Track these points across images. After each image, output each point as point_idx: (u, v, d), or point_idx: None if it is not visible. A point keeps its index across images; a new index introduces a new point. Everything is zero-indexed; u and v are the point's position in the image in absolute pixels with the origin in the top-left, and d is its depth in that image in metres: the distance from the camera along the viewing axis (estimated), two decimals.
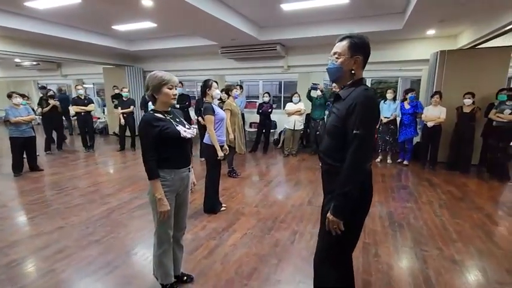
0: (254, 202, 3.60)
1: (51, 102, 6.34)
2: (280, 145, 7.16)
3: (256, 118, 7.02)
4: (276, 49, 6.54)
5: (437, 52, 5.40)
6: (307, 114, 6.46)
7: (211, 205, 3.26)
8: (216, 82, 3.10)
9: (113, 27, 6.05)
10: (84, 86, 7.11)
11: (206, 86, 3.03)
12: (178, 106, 5.75)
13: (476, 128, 4.85)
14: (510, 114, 4.24)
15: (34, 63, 10.05)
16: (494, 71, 4.95)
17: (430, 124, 4.99)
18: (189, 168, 1.86)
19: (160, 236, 1.78)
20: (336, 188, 1.32)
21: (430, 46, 5.93)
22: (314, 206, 3.45)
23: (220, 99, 4.58)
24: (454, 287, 2.01)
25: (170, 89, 1.70)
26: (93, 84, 11.33)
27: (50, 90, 6.79)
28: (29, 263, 2.28)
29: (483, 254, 2.44)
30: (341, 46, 1.38)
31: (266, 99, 6.33)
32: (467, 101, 4.73)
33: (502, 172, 4.51)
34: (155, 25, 5.70)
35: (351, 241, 1.47)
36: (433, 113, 4.98)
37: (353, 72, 1.38)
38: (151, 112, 1.71)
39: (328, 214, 1.36)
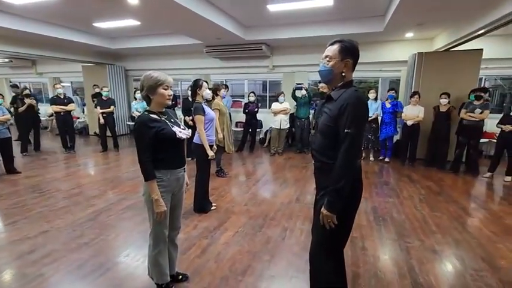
0: (243, 201, 3.64)
1: (27, 101, 6.06)
2: (266, 144, 7.23)
3: (242, 117, 7.05)
4: (261, 49, 6.60)
5: (415, 54, 5.67)
6: (292, 114, 6.57)
7: (202, 204, 3.27)
8: (206, 82, 3.11)
9: (94, 24, 5.87)
10: (62, 84, 6.84)
11: (196, 85, 3.03)
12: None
13: (452, 126, 5.14)
14: (480, 113, 4.54)
15: (6, 60, 9.54)
16: (466, 73, 5.26)
17: (409, 123, 5.23)
18: (184, 169, 1.87)
19: (156, 236, 1.79)
20: (329, 184, 1.39)
21: (408, 48, 6.21)
22: (302, 203, 3.55)
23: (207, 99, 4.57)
24: (435, 275, 2.15)
25: (165, 89, 1.69)
26: (71, 82, 10.89)
27: (26, 88, 6.49)
28: (15, 268, 2.20)
29: (460, 244, 2.62)
30: (332, 50, 1.45)
31: (252, 98, 6.38)
32: (443, 100, 5.00)
33: (473, 167, 4.82)
34: (139, 23, 5.60)
35: (343, 235, 1.55)
36: (412, 112, 5.23)
37: (343, 74, 1.45)
38: (146, 113, 1.70)
39: (322, 209, 1.42)
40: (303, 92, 6.16)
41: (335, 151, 1.40)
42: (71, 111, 6.23)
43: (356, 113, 1.35)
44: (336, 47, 1.45)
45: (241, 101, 8.31)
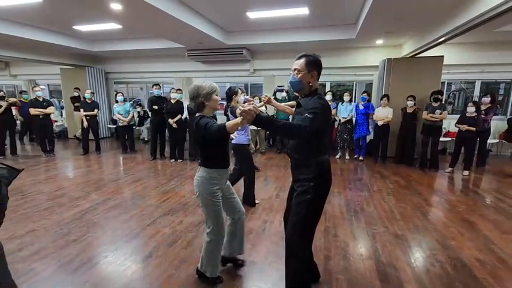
0: None
1: (2, 103, 5.94)
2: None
3: (223, 119, 7.23)
4: (242, 53, 6.84)
5: (385, 60, 6.12)
6: (272, 115, 6.84)
7: (250, 198, 3.52)
8: (240, 89, 3.35)
9: (74, 27, 5.87)
10: (40, 87, 6.74)
11: (233, 92, 3.27)
12: (156, 108, 5.75)
13: (418, 126, 5.60)
14: (440, 114, 5.01)
15: None
16: (430, 77, 5.76)
17: (380, 123, 5.65)
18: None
19: (216, 231, 1.94)
20: (277, 124, 1.55)
21: (379, 54, 6.68)
22: (282, 198, 3.79)
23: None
24: (396, 256, 2.46)
25: (217, 95, 1.92)
26: (48, 85, 10.61)
27: (1, 91, 6.32)
28: None
29: (419, 229, 2.96)
30: (300, 63, 1.70)
31: None
32: (410, 102, 5.45)
33: (435, 163, 5.28)
34: (120, 26, 5.66)
35: (315, 217, 1.78)
36: (382, 114, 5.65)
37: (310, 84, 1.72)
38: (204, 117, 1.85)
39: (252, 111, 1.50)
40: (284, 94, 6.46)
41: (307, 149, 1.68)
42: (49, 114, 6.16)
43: (317, 110, 1.58)
44: (302, 61, 1.70)
45: (223, 104, 8.49)
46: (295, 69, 1.71)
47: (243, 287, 2.06)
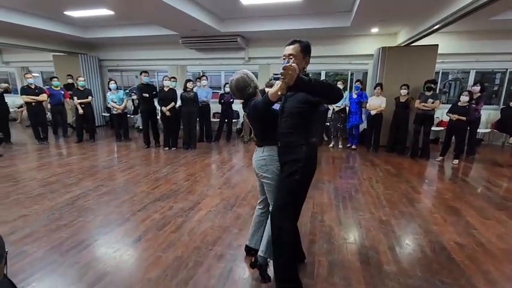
0: (218, 184, 3.89)
1: None
2: (242, 133, 7.47)
3: (219, 108, 7.22)
4: (236, 41, 6.77)
5: (379, 48, 6.09)
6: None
7: None
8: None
9: (65, 12, 5.76)
10: (33, 74, 6.67)
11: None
12: (147, 95, 5.72)
13: (410, 116, 5.63)
14: (432, 103, 5.04)
15: None
16: (424, 66, 5.75)
17: (373, 112, 5.67)
18: None
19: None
20: (319, 83, 1.55)
21: (375, 42, 6.63)
22: None
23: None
24: (378, 240, 2.53)
25: None
26: (41, 72, 10.49)
27: None
28: None
29: (404, 215, 3.03)
30: (294, 49, 1.69)
31: (228, 89, 6.56)
32: (403, 91, 5.46)
33: (426, 152, 5.35)
34: (112, 12, 5.57)
35: (302, 198, 1.84)
36: (376, 103, 5.67)
37: (304, 69, 1.74)
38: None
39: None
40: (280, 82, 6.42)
41: (301, 130, 1.73)
42: (42, 101, 6.13)
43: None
44: (296, 46, 1.69)
45: (218, 92, 8.45)
46: (289, 55, 1.69)
47: (228, 268, 2.12)
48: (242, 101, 1.93)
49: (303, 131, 1.75)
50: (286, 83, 1.46)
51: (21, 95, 5.88)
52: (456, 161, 5.05)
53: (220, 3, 5.24)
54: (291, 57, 1.68)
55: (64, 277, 1.99)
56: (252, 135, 6.71)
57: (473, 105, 5.02)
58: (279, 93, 1.56)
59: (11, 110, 9.04)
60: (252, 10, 5.53)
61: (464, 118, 4.80)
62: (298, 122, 1.75)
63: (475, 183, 4.11)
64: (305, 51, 1.70)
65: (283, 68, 1.43)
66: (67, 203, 3.23)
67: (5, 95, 6.17)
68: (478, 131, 5.67)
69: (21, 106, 9.00)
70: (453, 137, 5.08)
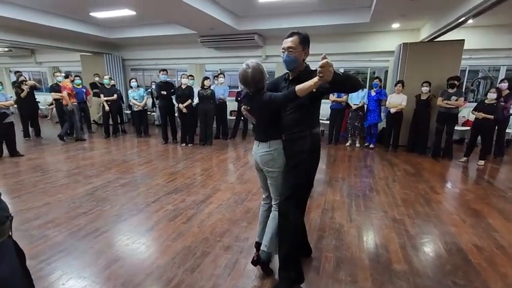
0: (231, 179, 3.94)
1: (25, 87, 6.25)
2: None
3: (236, 106, 7.29)
4: (254, 39, 6.80)
5: (400, 44, 5.88)
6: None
7: None
8: None
9: (90, 14, 6.06)
10: (61, 73, 7.07)
11: None
12: (165, 93, 5.90)
13: (432, 114, 5.39)
14: (456, 100, 4.79)
15: (6, 49, 9.72)
16: (448, 62, 5.47)
17: (392, 110, 5.49)
18: None
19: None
20: (350, 77, 1.56)
21: (396, 38, 6.40)
22: None
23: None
24: (390, 238, 2.46)
25: None
26: (70, 72, 11.08)
27: (21, 75, 6.61)
28: (23, 231, 2.51)
29: (419, 215, 2.92)
30: (294, 41, 1.69)
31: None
32: (425, 89, 5.24)
33: (449, 153, 5.09)
34: (134, 13, 5.79)
35: (308, 187, 1.87)
36: (396, 100, 5.48)
37: (304, 61, 1.73)
38: None
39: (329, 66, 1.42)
40: None
41: (307, 121, 1.75)
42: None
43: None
44: (295, 38, 1.70)
45: (235, 91, 8.53)
46: (289, 47, 1.69)
47: (234, 259, 2.14)
48: (246, 91, 1.90)
49: (308, 122, 1.76)
50: (325, 80, 1.41)
51: (50, 92, 6.25)
52: (482, 162, 4.77)
53: (238, 2, 5.29)
54: (290, 49, 1.69)
55: (79, 260, 2.11)
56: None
57: (502, 103, 4.72)
58: (314, 90, 1.53)
59: (42, 107, 9.67)
60: (268, 8, 5.54)
61: (491, 117, 4.52)
62: (305, 115, 1.76)
63: (501, 186, 3.87)
64: (304, 42, 1.69)
65: (321, 66, 1.39)
66: (87, 193, 3.41)
67: (35, 92, 6.57)
68: (507, 131, 5.33)
69: (51, 104, 9.56)
70: (479, 137, 4.81)
